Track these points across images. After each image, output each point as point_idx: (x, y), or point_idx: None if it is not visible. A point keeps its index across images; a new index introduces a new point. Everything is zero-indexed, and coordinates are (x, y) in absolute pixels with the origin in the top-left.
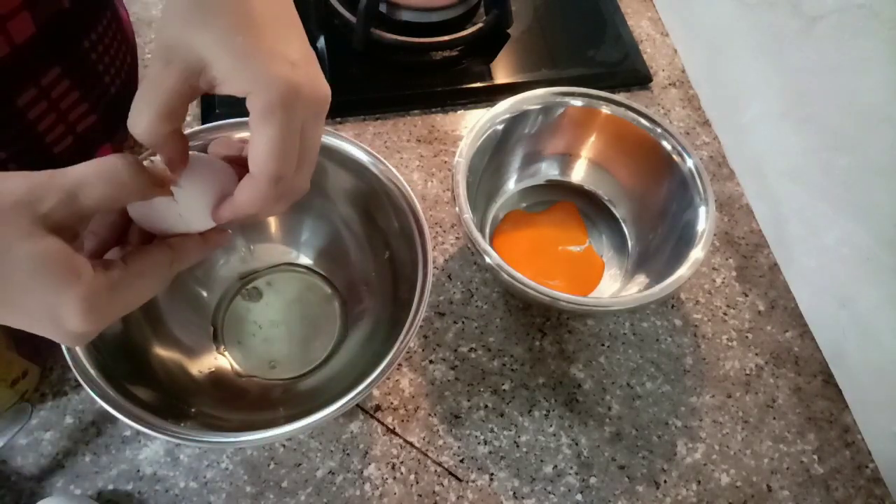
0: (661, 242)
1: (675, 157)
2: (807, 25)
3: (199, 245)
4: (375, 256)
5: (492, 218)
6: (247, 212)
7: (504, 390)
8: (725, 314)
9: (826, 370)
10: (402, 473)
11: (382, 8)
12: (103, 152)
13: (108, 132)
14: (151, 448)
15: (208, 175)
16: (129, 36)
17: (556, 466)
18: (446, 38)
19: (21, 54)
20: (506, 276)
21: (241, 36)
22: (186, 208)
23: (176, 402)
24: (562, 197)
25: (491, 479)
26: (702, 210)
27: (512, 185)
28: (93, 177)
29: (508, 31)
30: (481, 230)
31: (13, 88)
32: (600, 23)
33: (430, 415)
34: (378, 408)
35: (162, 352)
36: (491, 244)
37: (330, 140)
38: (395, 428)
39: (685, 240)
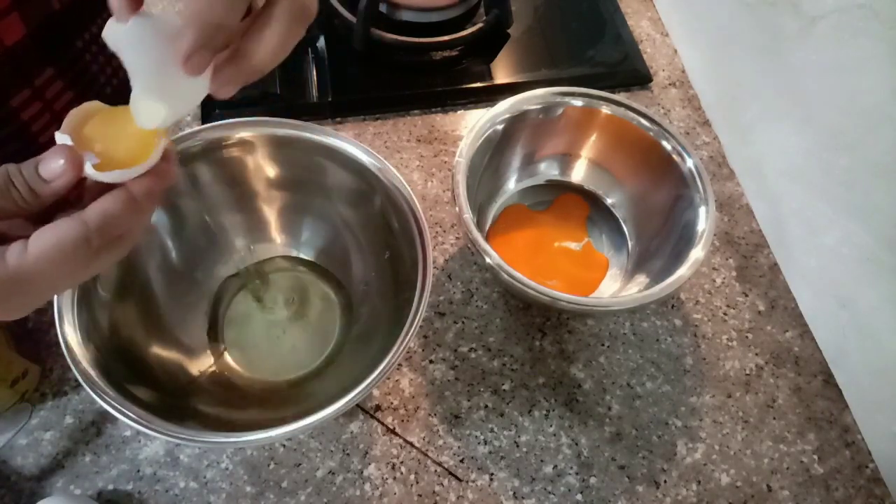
0: (661, 242)
1: (675, 157)
2: (807, 25)
3: (126, 205)
4: (375, 256)
5: (492, 218)
6: None
7: (504, 390)
8: (725, 314)
9: (826, 370)
10: (402, 473)
11: (382, 8)
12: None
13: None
14: (151, 448)
15: None
16: None
17: (556, 466)
18: (446, 38)
19: (13, 55)
20: (506, 276)
21: None
22: None
23: (176, 402)
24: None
25: (491, 479)
26: (702, 210)
27: (512, 185)
28: None
29: (508, 31)
30: (481, 230)
31: (7, 89)
32: (600, 23)
33: (430, 415)
34: (378, 408)
35: (162, 352)
36: (487, 240)
37: (330, 140)
38: (395, 428)
39: (685, 240)
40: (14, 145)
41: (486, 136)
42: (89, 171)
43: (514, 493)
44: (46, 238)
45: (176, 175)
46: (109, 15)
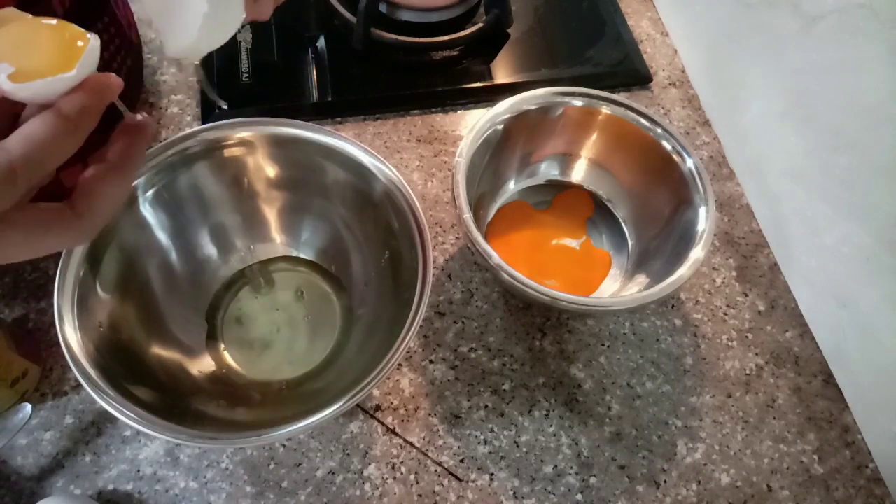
0: (661, 242)
1: (675, 157)
2: (807, 25)
3: (55, 127)
4: (375, 257)
5: (492, 218)
6: None
7: (504, 390)
8: (725, 314)
9: (826, 370)
10: (402, 473)
11: (382, 8)
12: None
13: (106, 135)
14: (151, 448)
15: None
16: (130, 39)
17: (556, 466)
18: (446, 38)
19: None
20: (506, 276)
21: None
22: None
23: (176, 402)
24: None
25: (491, 479)
26: (702, 210)
27: (512, 185)
28: None
29: (508, 31)
30: (480, 229)
31: None
32: (600, 23)
33: (430, 415)
34: (378, 408)
35: (162, 352)
36: (486, 238)
37: (330, 140)
38: (395, 428)
39: (685, 240)
40: None
41: (486, 136)
42: (3, 84)
43: (514, 493)
44: None
45: (120, 85)
46: (113, 19)
